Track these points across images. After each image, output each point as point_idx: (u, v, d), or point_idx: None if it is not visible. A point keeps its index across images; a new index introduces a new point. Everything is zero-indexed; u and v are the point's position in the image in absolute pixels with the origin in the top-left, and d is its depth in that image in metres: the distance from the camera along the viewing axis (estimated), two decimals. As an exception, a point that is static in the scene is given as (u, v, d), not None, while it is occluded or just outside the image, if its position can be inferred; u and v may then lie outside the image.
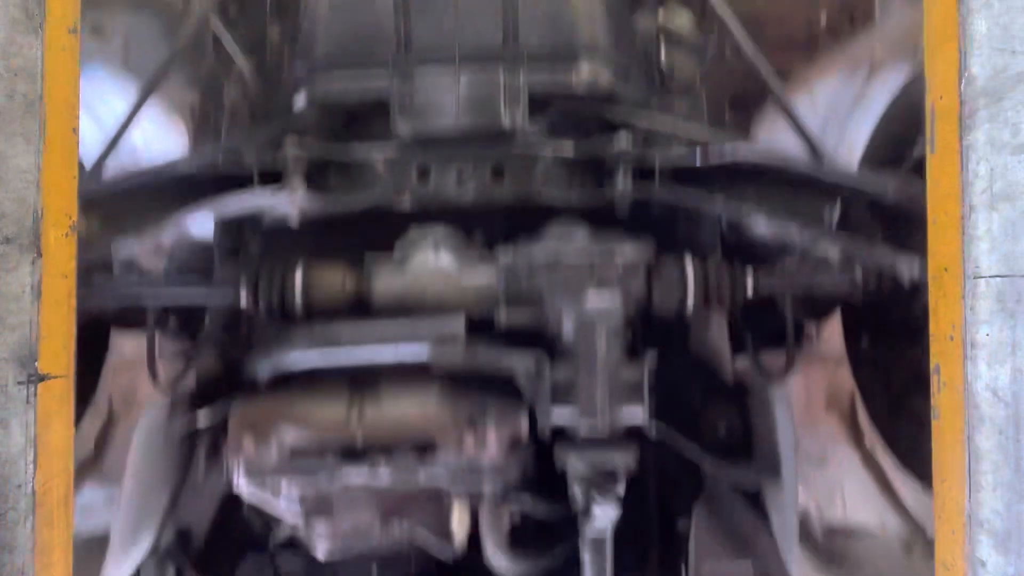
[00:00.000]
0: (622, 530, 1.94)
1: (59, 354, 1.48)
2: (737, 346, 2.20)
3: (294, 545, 2.25)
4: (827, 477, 2.36)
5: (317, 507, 2.03)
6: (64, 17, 1.51)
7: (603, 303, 1.79)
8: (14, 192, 1.41)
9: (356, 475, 1.92)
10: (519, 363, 1.84)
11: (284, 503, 2.00)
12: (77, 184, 1.54)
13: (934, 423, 1.51)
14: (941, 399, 1.49)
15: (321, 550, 2.06)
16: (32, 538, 1.41)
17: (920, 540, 2.30)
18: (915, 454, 2.20)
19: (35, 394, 1.42)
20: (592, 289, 1.82)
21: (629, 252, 1.86)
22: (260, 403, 1.96)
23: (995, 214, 1.38)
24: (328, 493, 1.96)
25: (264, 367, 1.97)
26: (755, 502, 2.08)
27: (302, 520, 2.04)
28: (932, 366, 1.52)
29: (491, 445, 1.90)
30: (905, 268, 1.81)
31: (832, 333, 2.33)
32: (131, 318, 2.06)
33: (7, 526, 1.37)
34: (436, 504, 2.00)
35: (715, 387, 2.14)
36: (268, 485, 1.93)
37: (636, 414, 1.80)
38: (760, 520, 2.06)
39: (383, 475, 1.91)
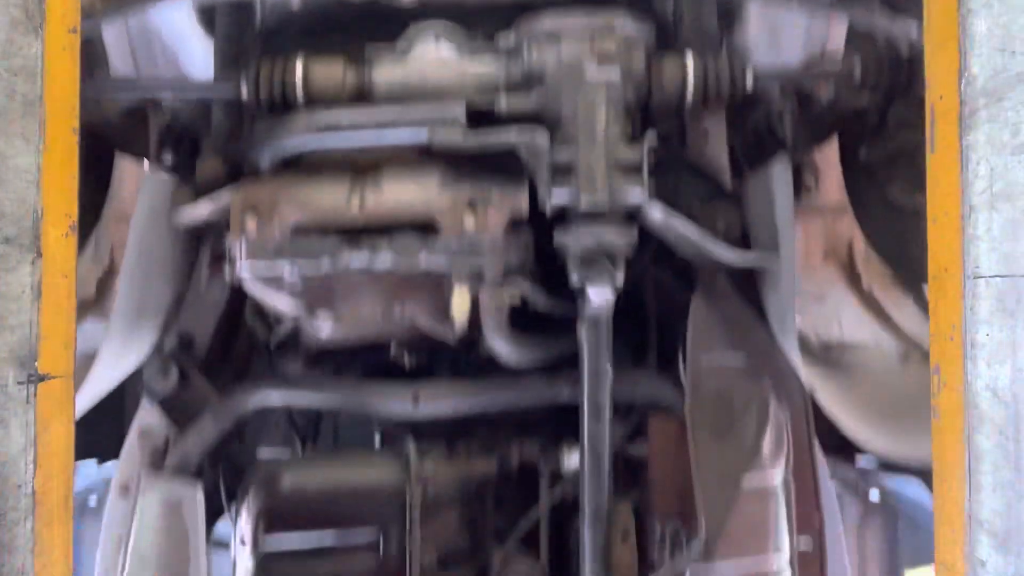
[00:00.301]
0: (619, 324, 1.96)
1: (59, 354, 1.48)
2: (736, 169, 2.20)
3: (294, 348, 2.27)
4: (824, 311, 2.39)
5: (318, 294, 2.03)
6: (64, 17, 1.51)
7: (603, 75, 1.81)
8: (14, 192, 1.41)
9: (357, 257, 1.93)
10: (520, 137, 1.84)
11: (286, 293, 2.01)
12: (77, 184, 1.54)
13: (934, 423, 1.51)
14: (941, 399, 1.49)
15: (324, 333, 2.08)
16: (32, 538, 1.41)
17: (916, 352, 2.33)
18: (906, 257, 2.24)
19: (35, 394, 1.42)
20: (591, 62, 1.83)
21: (629, 26, 1.87)
22: (262, 186, 1.97)
23: (995, 214, 1.38)
24: (330, 277, 1.96)
25: (265, 153, 1.98)
26: (753, 299, 2.09)
27: (303, 310, 2.04)
28: (932, 366, 1.52)
29: (491, 223, 1.91)
30: (902, 33, 1.85)
31: (831, 183, 2.36)
32: (132, 136, 2.04)
33: (7, 526, 1.37)
34: (436, 288, 2.01)
35: (713, 192, 2.14)
36: (270, 268, 1.94)
37: (636, 193, 1.81)
38: (758, 316, 2.06)
39: (384, 257, 1.92)
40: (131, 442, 2.20)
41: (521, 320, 2.07)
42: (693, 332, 2.00)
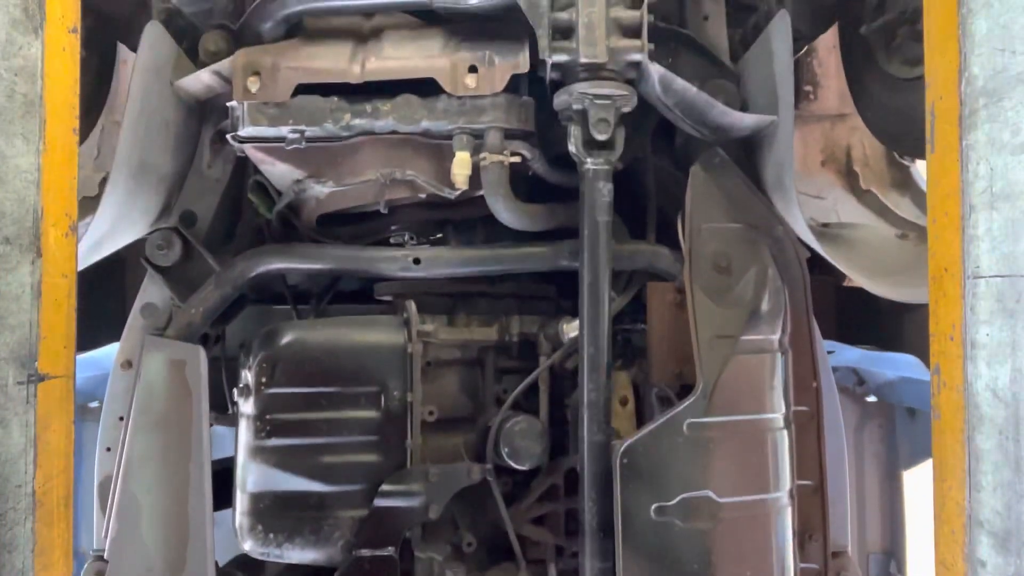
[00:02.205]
0: (619, 203, 1.97)
1: (59, 354, 1.48)
2: (734, 54, 2.22)
3: (295, 219, 2.27)
4: (823, 205, 2.41)
5: (320, 158, 2.04)
6: (64, 17, 1.51)
7: None
8: (14, 192, 1.41)
9: (359, 119, 1.94)
10: None
11: (287, 158, 2.02)
12: (77, 184, 1.54)
13: (934, 423, 1.52)
14: (941, 399, 1.49)
15: (324, 198, 2.09)
16: (32, 538, 1.41)
17: (914, 231, 2.35)
18: (905, 131, 2.25)
19: (35, 394, 1.42)
20: None
21: None
22: (264, 49, 1.99)
23: (995, 214, 1.38)
24: (331, 139, 1.98)
25: (267, 21, 2.00)
26: (751, 172, 2.09)
27: (305, 175, 2.05)
28: (932, 366, 1.52)
29: (492, 83, 1.94)
30: None
31: (829, 91, 2.40)
32: (137, 28, 2.04)
33: (7, 526, 1.37)
34: (437, 150, 2.02)
35: (712, 69, 2.15)
36: (272, 130, 1.95)
37: (635, 51, 1.84)
38: (756, 187, 2.07)
39: (386, 118, 1.94)
40: (133, 319, 2.21)
41: (523, 190, 2.08)
42: (692, 200, 2.00)
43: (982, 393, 1.40)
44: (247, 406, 2.03)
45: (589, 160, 1.90)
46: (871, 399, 3.42)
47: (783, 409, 1.93)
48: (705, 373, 1.85)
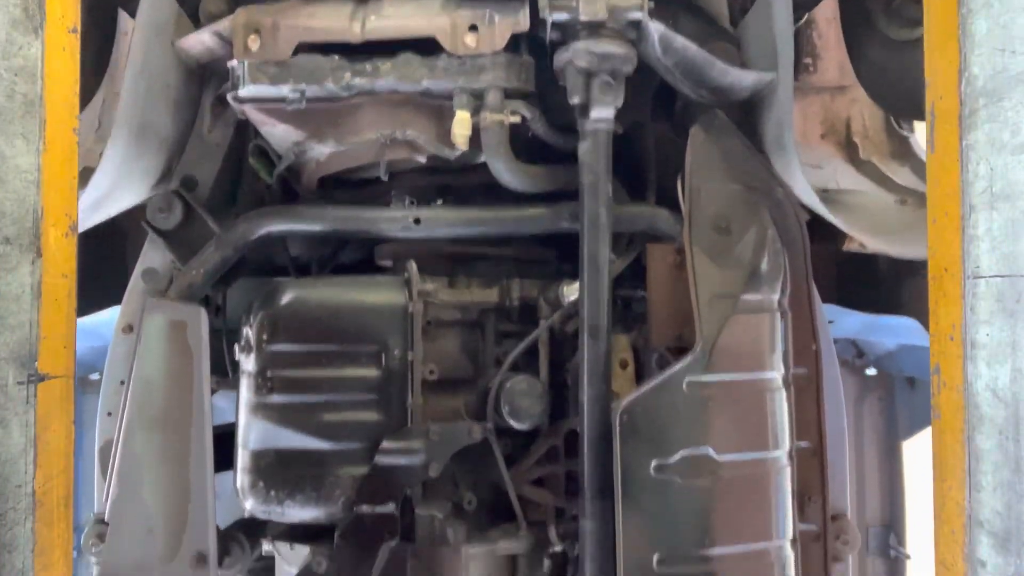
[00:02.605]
0: (618, 167, 1.97)
1: (59, 354, 1.48)
2: (733, 20, 2.22)
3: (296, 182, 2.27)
4: (822, 174, 2.43)
5: (320, 118, 2.04)
6: (64, 17, 1.51)
7: None
8: (14, 192, 1.41)
9: (360, 78, 1.94)
10: None
11: (287, 119, 2.01)
12: (77, 184, 1.54)
13: (934, 423, 1.51)
14: (941, 399, 1.49)
15: (325, 159, 2.09)
16: (32, 538, 1.41)
17: (912, 196, 2.35)
18: (903, 94, 2.26)
19: (35, 394, 1.42)
20: None
21: None
22: (264, 8, 1.99)
23: (995, 214, 1.38)
24: (332, 99, 1.98)
25: None
26: (751, 137, 2.09)
27: (305, 135, 2.05)
28: (932, 366, 1.52)
29: (492, 42, 1.93)
30: None
31: (829, 63, 2.42)
32: None
33: (7, 526, 1.37)
34: (437, 110, 2.02)
35: (712, 31, 2.15)
36: (272, 89, 1.95)
37: (636, 8, 1.84)
38: (755, 147, 2.07)
39: (387, 77, 1.94)
40: (134, 284, 2.21)
41: (523, 156, 2.08)
42: (692, 160, 1.99)
43: (982, 393, 1.40)
44: (248, 363, 2.03)
45: (590, 116, 1.89)
46: (871, 372, 3.43)
47: (782, 370, 1.93)
48: (705, 332, 1.85)
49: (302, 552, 2.08)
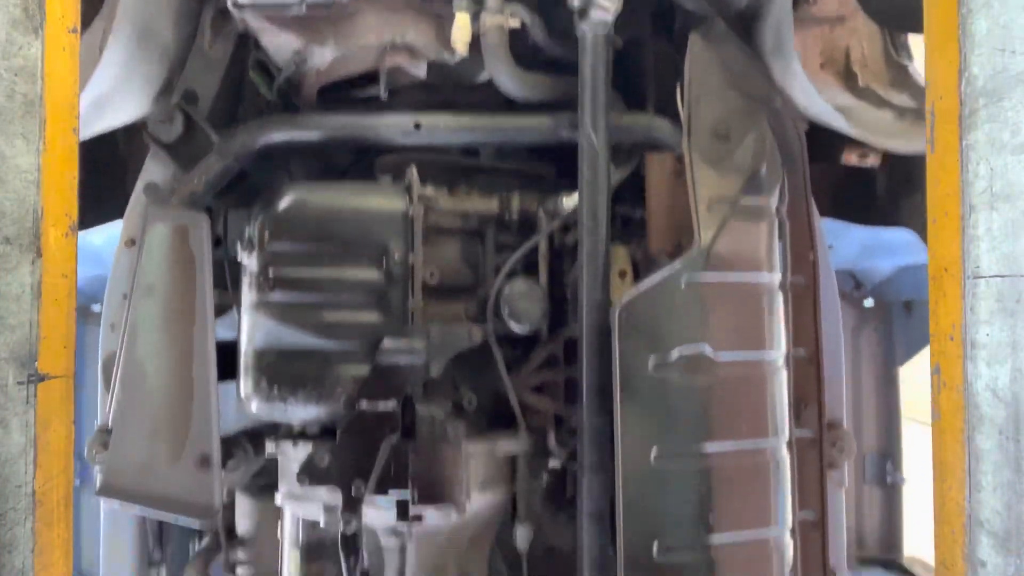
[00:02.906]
0: (617, 80, 1.98)
1: (59, 354, 1.48)
2: None
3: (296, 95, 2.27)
4: (820, 99, 2.43)
5: (321, 24, 2.04)
6: (64, 17, 1.51)
7: None
8: (14, 192, 1.41)
9: None
10: None
11: (288, 26, 2.01)
12: (77, 184, 1.54)
13: (934, 423, 1.51)
14: (941, 399, 1.49)
15: (326, 66, 2.08)
16: (32, 538, 1.41)
17: (911, 112, 2.35)
18: (899, 12, 2.25)
19: (35, 394, 1.42)
20: None
21: None
22: None
23: (995, 214, 1.38)
24: (329, 3, 1.97)
25: None
26: (749, 41, 2.10)
27: (306, 42, 2.04)
28: (932, 366, 1.51)
29: None
30: None
31: None
32: None
33: (7, 526, 1.37)
34: (437, 17, 2.03)
35: None
36: None
37: None
38: (757, 56, 2.08)
39: None
40: (136, 198, 2.22)
41: (525, 66, 2.08)
42: (691, 67, 2.00)
43: (982, 393, 1.40)
44: (251, 262, 2.04)
45: (589, 18, 1.89)
46: (868, 304, 3.46)
47: (779, 274, 1.95)
48: (703, 233, 1.86)
49: (305, 451, 2.09)
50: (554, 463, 2.16)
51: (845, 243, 2.94)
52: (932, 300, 1.52)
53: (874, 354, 3.48)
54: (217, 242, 2.30)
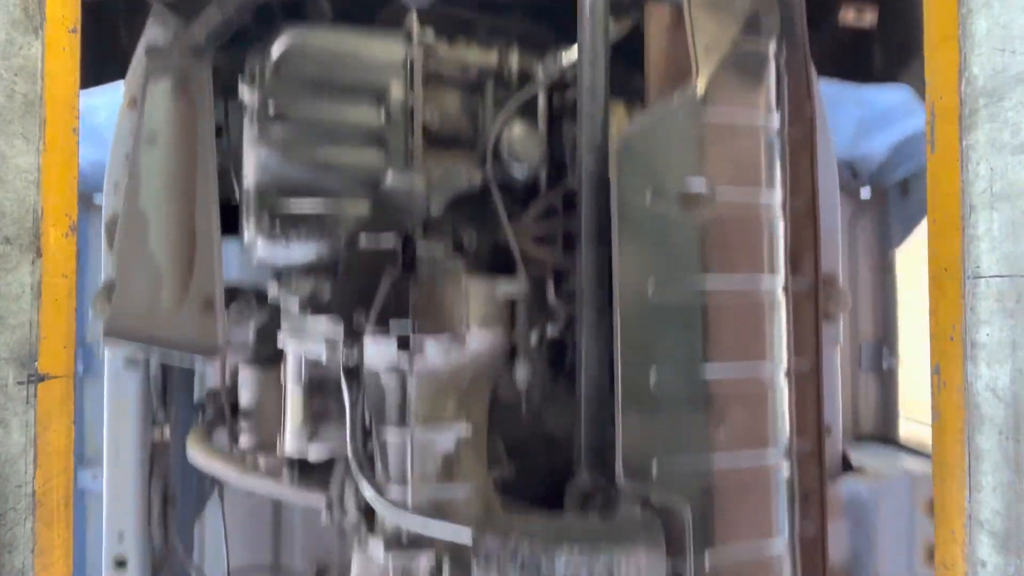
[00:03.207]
0: None
1: (59, 354, 1.48)
2: None
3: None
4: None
5: None
6: (64, 17, 1.51)
7: None
8: (14, 192, 1.41)
9: None
10: None
11: None
12: (77, 184, 1.54)
13: (934, 423, 1.51)
14: (941, 399, 1.49)
15: None
16: (32, 538, 1.41)
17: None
18: None
19: (35, 394, 1.42)
20: None
21: None
22: None
23: (995, 214, 1.38)
24: None
25: None
26: None
27: None
28: (932, 366, 1.51)
29: None
30: None
31: None
32: None
33: (7, 526, 1.37)
34: None
35: None
36: None
37: None
38: None
39: None
40: (138, 58, 2.19)
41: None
42: None
43: (982, 393, 1.40)
44: (252, 97, 2.05)
45: None
46: (865, 196, 3.49)
47: (776, 120, 1.97)
48: (702, 71, 1.88)
49: (308, 288, 2.09)
50: (552, 331, 2.17)
51: (842, 120, 2.97)
52: (932, 300, 1.52)
53: (870, 244, 3.50)
54: (219, 131, 2.31)
